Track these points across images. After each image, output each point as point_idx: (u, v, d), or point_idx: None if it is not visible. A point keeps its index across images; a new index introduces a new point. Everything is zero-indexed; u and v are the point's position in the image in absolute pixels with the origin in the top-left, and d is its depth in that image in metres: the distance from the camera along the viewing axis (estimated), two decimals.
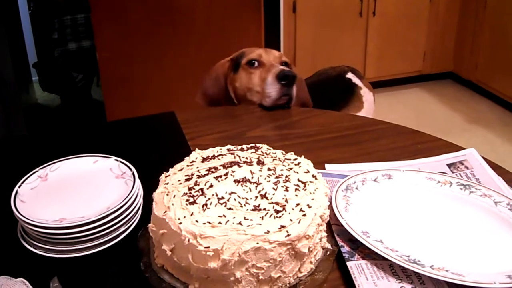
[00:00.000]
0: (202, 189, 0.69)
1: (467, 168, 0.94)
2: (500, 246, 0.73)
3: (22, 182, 0.86)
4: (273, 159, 0.75)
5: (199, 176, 0.72)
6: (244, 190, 0.68)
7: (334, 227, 0.76)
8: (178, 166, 0.77)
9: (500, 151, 2.93)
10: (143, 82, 2.45)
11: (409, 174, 0.86)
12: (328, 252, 0.72)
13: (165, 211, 0.67)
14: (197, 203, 0.67)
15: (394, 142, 1.08)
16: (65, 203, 0.83)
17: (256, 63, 1.28)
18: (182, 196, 0.68)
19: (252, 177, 0.70)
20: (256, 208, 0.65)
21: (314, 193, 0.68)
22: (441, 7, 3.51)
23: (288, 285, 0.67)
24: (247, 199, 0.66)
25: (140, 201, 0.84)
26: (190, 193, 0.69)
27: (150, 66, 2.41)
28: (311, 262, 0.69)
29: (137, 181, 0.84)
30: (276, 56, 1.29)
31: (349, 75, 1.94)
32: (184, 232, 0.63)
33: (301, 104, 1.35)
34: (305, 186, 0.69)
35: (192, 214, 0.65)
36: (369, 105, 1.96)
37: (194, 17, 2.28)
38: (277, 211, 0.64)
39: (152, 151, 1.06)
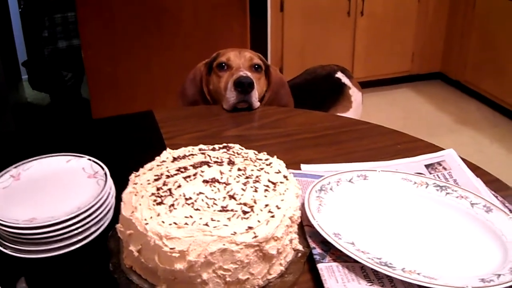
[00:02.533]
0: (170, 189, 0.68)
1: (445, 169, 0.94)
2: (475, 248, 0.72)
3: None
4: (244, 159, 0.74)
5: (168, 176, 0.71)
6: (212, 190, 0.67)
7: (306, 228, 0.75)
8: (148, 165, 0.75)
9: (488, 152, 2.93)
10: (129, 80, 2.44)
11: (385, 175, 0.86)
12: (300, 254, 0.71)
13: (132, 212, 0.66)
14: (164, 204, 0.65)
15: (374, 143, 1.07)
16: (37, 203, 0.82)
17: (226, 66, 1.27)
18: (150, 196, 0.67)
19: (222, 177, 0.69)
20: (223, 209, 0.64)
21: (284, 194, 0.67)
22: (430, 7, 3.51)
23: (257, 287, 0.66)
24: (215, 199, 0.65)
25: (111, 201, 0.83)
26: (158, 193, 0.68)
27: (136, 64, 2.39)
28: (281, 264, 0.68)
29: (109, 180, 0.83)
30: (247, 59, 1.28)
31: (339, 74, 1.93)
32: (150, 233, 0.62)
33: (281, 106, 1.34)
34: (275, 186, 0.68)
35: (158, 215, 0.64)
36: (358, 105, 1.96)
37: (181, 17, 2.27)
38: (244, 212, 0.63)
39: (128, 150, 1.05)
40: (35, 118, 3.52)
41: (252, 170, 0.71)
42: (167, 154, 0.78)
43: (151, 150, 0.82)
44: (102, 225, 0.81)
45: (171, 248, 0.61)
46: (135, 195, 0.69)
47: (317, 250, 0.71)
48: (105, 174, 0.85)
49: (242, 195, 0.66)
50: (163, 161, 0.76)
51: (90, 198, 0.80)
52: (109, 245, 0.75)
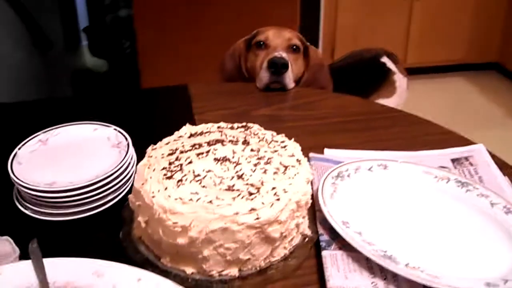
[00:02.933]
0: (181, 165, 0.68)
1: (471, 164, 0.90)
2: (487, 250, 0.69)
3: (23, 145, 0.88)
4: (260, 140, 0.74)
5: (182, 152, 0.71)
6: (222, 169, 0.67)
7: (318, 214, 0.74)
8: (165, 140, 0.76)
9: None
10: (178, 52, 2.46)
11: (406, 166, 0.83)
12: (307, 239, 0.71)
13: (143, 184, 0.67)
14: (173, 178, 0.66)
15: (404, 132, 1.04)
16: (59, 168, 0.84)
17: (263, 45, 1.26)
18: (161, 170, 0.68)
19: (233, 157, 0.69)
20: (230, 188, 0.64)
21: (293, 177, 0.67)
22: None
23: (258, 268, 0.66)
24: (223, 178, 0.66)
25: (131, 171, 0.85)
26: (170, 167, 0.68)
27: (186, 37, 2.41)
28: (285, 248, 0.68)
29: (130, 151, 0.84)
30: (285, 39, 1.26)
31: (384, 59, 1.89)
32: (156, 206, 0.63)
33: (319, 89, 1.32)
34: (285, 170, 0.68)
35: (166, 189, 0.65)
36: (402, 90, 1.91)
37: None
38: (250, 193, 0.63)
39: (157, 123, 1.06)
40: (93, 84, 3.60)
41: (266, 151, 0.71)
42: (186, 129, 0.78)
43: (180, 124, 0.82)
44: (120, 194, 0.83)
45: (173, 222, 0.62)
46: (148, 167, 0.70)
47: (324, 237, 0.70)
48: (128, 144, 0.86)
49: (250, 175, 0.66)
50: (181, 136, 0.77)
51: (110, 167, 0.82)
52: (123, 214, 0.77)
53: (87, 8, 3.85)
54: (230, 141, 0.73)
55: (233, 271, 0.65)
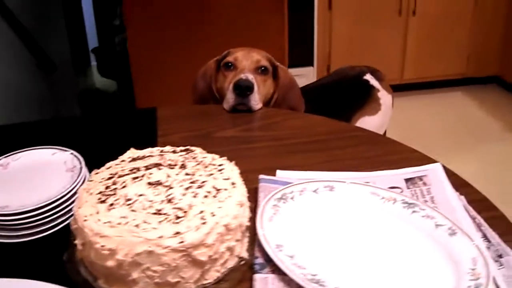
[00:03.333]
0: (116, 189, 0.70)
1: (425, 184, 0.90)
2: (428, 274, 0.68)
3: None
4: (197, 164, 0.75)
5: (120, 176, 0.73)
6: (153, 193, 0.68)
7: (257, 237, 0.74)
8: (108, 164, 0.78)
9: None
10: (171, 72, 2.49)
11: (353, 188, 0.84)
12: (243, 262, 0.71)
13: (79, 207, 0.69)
14: (106, 203, 0.68)
15: (365, 151, 1.05)
16: (15, 192, 0.87)
17: (232, 66, 1.28)
18: (97, 194, 0.70)
19: (167, 181, 0.71)
20: (157, 212, 0.65)
21: (224, 201, 0.68)
22: (487, 7, 3.33)
23: None
24: (153, 202, 0.67)
25: None
26: (105, 192, 0.70)
27: (178, 56, 2.44)
28: (217, 271, 0.68)
29: (82, 174, 0.86)
30: (253, 61, 1.28)
31: (367, 76, 1.89)
32: (86, 229, 0.65)
33: (289, 109, 1.33)
34: (217, 193, 0.69)
35: (98, 213, 0.66)
36: (387, 108, 1.92)
37: (220, 12, 2.29)
38: (177, 217, 0.64)
39: (119, 146, 1.08)
40: (101, 104, 3.66)
41: (201, 175, 0.72)
42: (130, 153, 0.80)
43: (143, 147, 0.84)
44: (70, 216, 0.84)
45: (102, 245, 0.63)
46: (87, 192, 0.72)
47: (259, 260, 0.70)
48: (80, 168, 0.88)
49: (180, 199, 0.67)
50: (123, 160, 0.78)
51: (61, 189, 0.84)
52: (70, 236, 0.79)
53: (97, 29, 3.92)
54: (168, 165, 0.75)
55: None
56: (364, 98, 1.83)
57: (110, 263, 0.63)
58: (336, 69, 1.97)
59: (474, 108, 3.43)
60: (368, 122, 1.82)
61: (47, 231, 0.82)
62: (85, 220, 0.66)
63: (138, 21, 2.36)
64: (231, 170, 0.75)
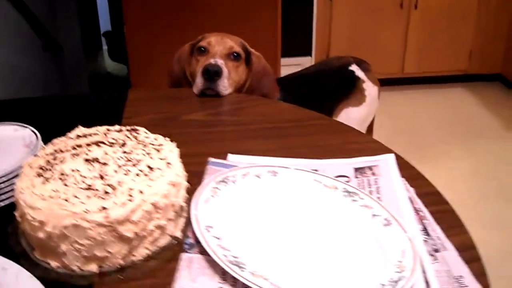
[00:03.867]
0: (54, 164, 0.72)
1: (373, 174, 0.91)
2: (358, 263, 0.68)
3: None
4: (137, 143, 0.77)
5: (61, 152, 0.75)
6: (88, 169, 0.71)
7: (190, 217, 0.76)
8: (55, 140, 0.80)
9: None
10: (165, 58, 2.51)
11: (296, 174, 0.85)
12: (175, 241, 0.73)
13: (19, 180, 0.72)
14: (42, 177, 0.70)
15: (323, 140, 1.06)
16: None
17: (205, 51, 1.29)
18: (38, 168, 0.72)
19: (104, 158, 0.73)
20: (88, 187, 0.67)
21: (155, 180, 0.70)
22: (492, 3, 3.30)
23: (118, 266, 0.69)
24: (85, 178, 0.69)
25: None
26: (45, 166, 0.72)
27: (172, 43, 2.46)
28: (146, 248, 0.70)
29: (35, 151, 0.89)
30: (226, 47, 1.29)
31: (353, 67, 1.90)
32: (21, 201, 0.68)
33: (262, 96, 1.35)
34: (150, 172, 0.71)
35: (33, 186, 0.69)
36: (372, 99, 1.92)
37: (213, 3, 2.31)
38: (106, 193, 0.67)
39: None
40: (111, 88, 3.69)
41: (138, 154, 0.74)
42: (77, 131, 0.82)
43: None
44: None
45: (32, 217, 0.66)
46: (29, 166, 0.74)
47: (189, 240, 0.72)
48: (36, 144, 0.91)
49: (112, 176, 0.69)
50: (69, 137, 0.81)
51: (14, 164, 0.86)
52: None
53: (110, 13, 3.94)
54: (110, 143, 0.77)
55: (93, 267, 0.68)
56: (349, 89, 1.83)
57: (41, 234, 0.66)
58: (323, 59, 1.97)
59: (474, 105, 3.41)
60: (352, 113, 1.83)
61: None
62: (21, 193, 0.68)
63: (135, 11, 2.38)
64: (170, 150, 0.76)
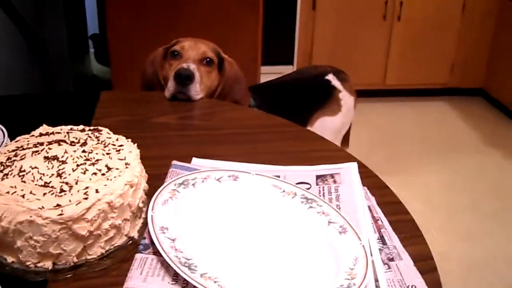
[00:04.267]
0: (15, 161, 0.73)
1: (334, 182, 0.93)
2: (311, 271, 0.69)
3: None
4: (98, 143, 0.79)
5: (23, 149, 0.76)
6: (47, 167, 0.72)
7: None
8: (19, 138, 0.82)
9: (510, 180, 2.79)
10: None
11: (256, 179, 0.86)
12: (131, 242, 0.75)
13: None
14: (1, 172, 0.71)
15: (289, 146, 1.08)
16: None
17: (178, 55, 1.31)
18: None
19: (63, 156, 0.74)
20: (45, 185, 0.69)
21: (111, 180, 0.71)
22: (476, 17, 3.34)
23: (72, 263, 0.70)
24: (43, 175, 0.70)
25: None
26: (5, 163, 0.74)
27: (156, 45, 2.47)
28: (101, 247, 0.71)
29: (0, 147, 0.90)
30: (199, 52, 1.31)
31: (329, 76, 1.92)
32: None
33: (234, 102, 1.37)
34: (108, 171, 0.72)
35: None
36: (348, 109, 1.95)
37: (197, 10, 2.33)
38: (62, 190, 0.68)
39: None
40: (96, 90, 3.68)
41: (97, 153, 0.76)
42: (41, 129, 0.83)
43: None
44: None
45: None
46: None
47: (145, 241, 0.74)
48: (2, 142, 0.92)
49: (69, 174, 0.70)
50: (32, 135, 0.82)
51: None
52: None
53: (98, 17, 3.96)
54: (71, 142, 0.78)
55: (47, 264, 0.69)
56: (324, 98, 1.86)
57: None
58: (299, 68, 2.00)
59: (454, 119, 3.45)
60: (327, 122, 1.86)
61: None
62: None
63: (118, 13, 2.39)
64: (130, 151, 0.78)
